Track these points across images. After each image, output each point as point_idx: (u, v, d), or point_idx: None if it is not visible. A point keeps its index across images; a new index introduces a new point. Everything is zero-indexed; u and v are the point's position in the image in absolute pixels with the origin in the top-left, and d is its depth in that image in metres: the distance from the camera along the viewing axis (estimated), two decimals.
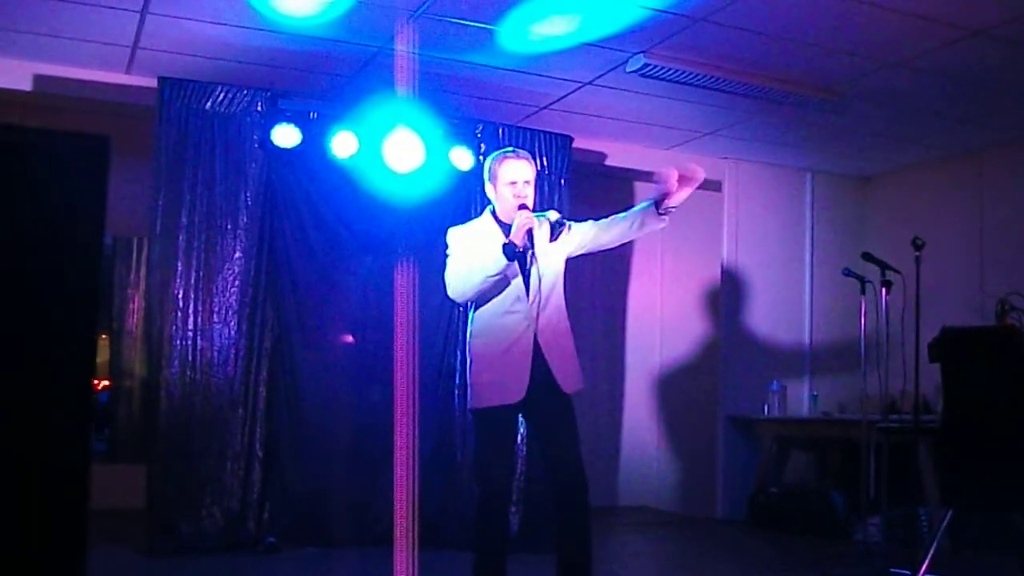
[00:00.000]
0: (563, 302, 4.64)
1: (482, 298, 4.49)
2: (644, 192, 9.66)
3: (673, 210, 4.57)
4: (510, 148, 4.74)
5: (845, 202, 9.62)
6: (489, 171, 4.62)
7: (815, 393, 9.02)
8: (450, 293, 4.54)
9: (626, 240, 4.80)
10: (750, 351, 9.07)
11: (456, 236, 4.60)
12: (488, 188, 4.65)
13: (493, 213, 4.63)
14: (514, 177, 4.53)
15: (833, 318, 9.27)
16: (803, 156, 9.02)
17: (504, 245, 4.33)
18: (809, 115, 7.66)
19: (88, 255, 1.77)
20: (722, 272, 9.13)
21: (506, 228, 4.47)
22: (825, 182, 9.54)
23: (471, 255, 4.45)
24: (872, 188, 9.63)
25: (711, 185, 9.08)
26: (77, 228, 1.75)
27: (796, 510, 8.23)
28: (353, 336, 7.05)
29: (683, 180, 4.51)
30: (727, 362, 9.02)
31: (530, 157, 4.66)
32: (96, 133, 1.81)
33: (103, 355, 10.76)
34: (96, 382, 12.51)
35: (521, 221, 4.38)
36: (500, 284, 4.43)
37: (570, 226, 4.70)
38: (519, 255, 4.45)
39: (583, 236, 4.74)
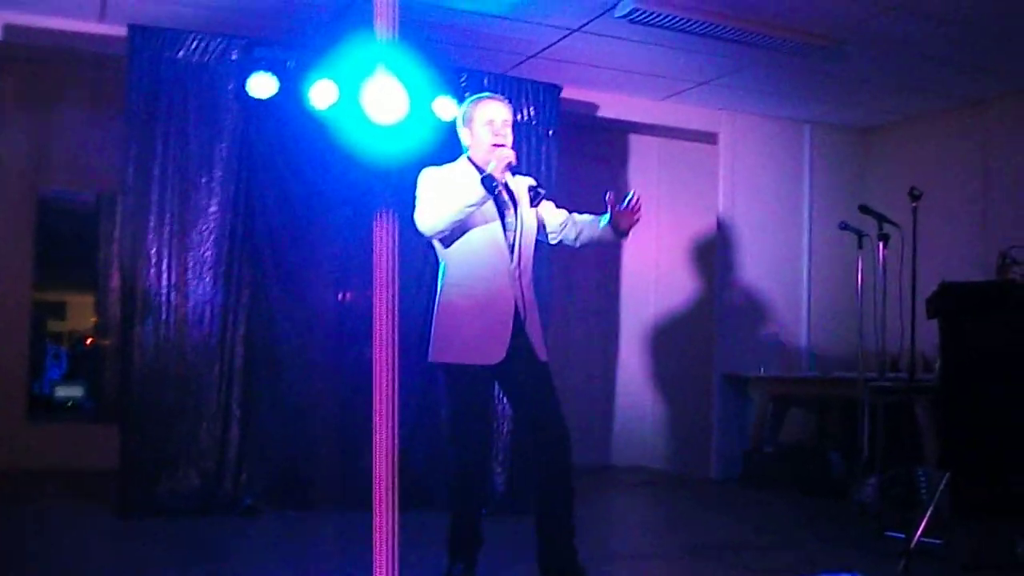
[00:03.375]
0: (532, 272, 4.52)
1: (452, 235, 4.31)
2: (637, 145, 9.51)
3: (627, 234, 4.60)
4: (486, 92, 4.55)
5: (844, 154, 9.41)
6: (464, 114, 4.47)
7: (813, 351, 8.83)
8: (420, 224, 4.32)
9: (589, 247, 4.81)
10: (746, 307, 8.91)
11: (430, 175, 4.42)
12: (463, 132, 4.49)
13: (468, 158, 4.45)
14: (491, 116, 4.39)
15: (832, 273, 9.11)
16: (801, 107, 8.78)
17: (484, 176, 4.15)
18: (808, 64, 7.42)
19: None
20: (718, 226, 8.93)
21: (482, 171, 4.27)
22: (824, 134, 9.32)
23: (446, 190, 4.26)
24: (872, 139, 9.41)
25: (706, 137, 8.92)
26: None
27: (791, 470, 8.10)
28: (334, 291, 6.84)
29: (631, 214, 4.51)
30: (722, 318, 8.86)
31: (508, 102, 4.48)
32: None
33: (88, 313, 10.64)
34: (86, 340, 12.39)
35: (501, 154, 4.20)
36: (471, 222, 4.29)
37: (546, 199, 4.63)
38: (496, 195, 4.32)
39: (555, 218, 4.67)
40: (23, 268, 8.17)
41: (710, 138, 8.93)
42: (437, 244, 4.45)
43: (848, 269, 8.98)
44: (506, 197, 4.43)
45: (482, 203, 4.20)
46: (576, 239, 4.68)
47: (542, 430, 4.40)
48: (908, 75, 7.69)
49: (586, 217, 4.66)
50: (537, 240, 4.57)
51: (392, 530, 5.15)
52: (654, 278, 9.82)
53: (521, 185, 4.50)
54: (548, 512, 4.40)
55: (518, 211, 4.43)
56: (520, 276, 4.38)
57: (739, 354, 8.79)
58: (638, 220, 4.50)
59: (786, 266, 9.11)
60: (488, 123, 4.38)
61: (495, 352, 4.29)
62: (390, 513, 5.28)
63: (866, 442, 6.68)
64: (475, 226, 4.33)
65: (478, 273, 4.35)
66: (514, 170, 4.32)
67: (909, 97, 8.32)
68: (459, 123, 4.51)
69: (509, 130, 4.42)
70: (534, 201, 4.45)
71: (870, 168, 9.37)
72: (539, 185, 4.48)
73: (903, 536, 5.24)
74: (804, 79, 7.92)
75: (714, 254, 9.00)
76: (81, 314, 11.06)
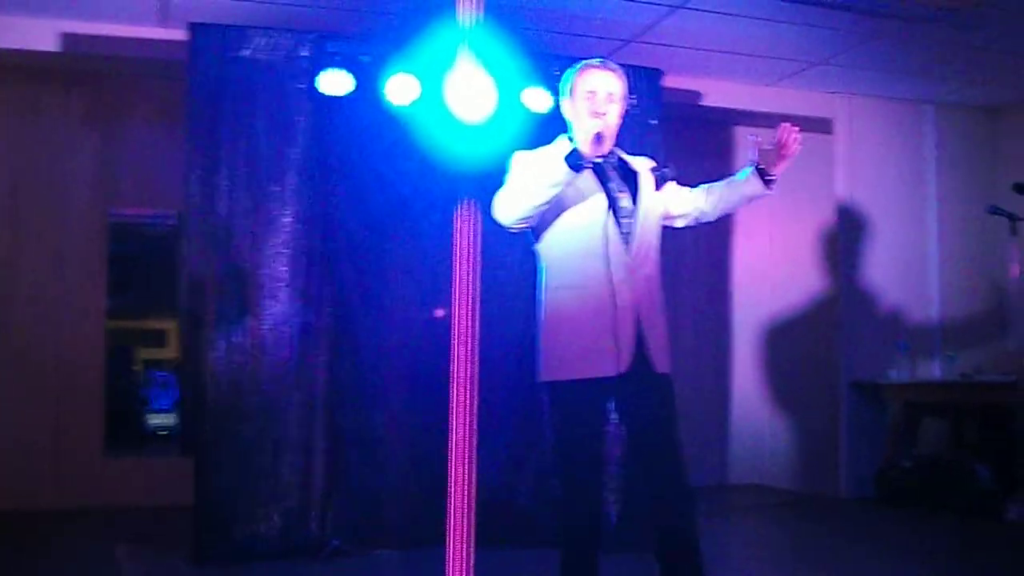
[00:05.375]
0: (659, 269, 3.82)
1: (541, 224, 3.72)
2: (743, 137, 8.84)
3: (776, 179, 3.78)
4: (597, 58, 3.88)
5: (972, 136, 8.65)
6: (568, 84, 3.81)
7: (950, 353, 8.04)
8: (496, 212, 3.72)
9: (729, 210, 4.00)
10: (872, 307, 8.18)
11: (520, 158, 3.78)
12: (565, 106, 3.83)
13: (569, 138, 3.80)
14: (594, 87, 3.71)
15: (965, 266, 8.40)
16: (923, 86, 8.04)
17: (568, 154, 3.50)
18: (936, 33, 6.70)
19: None
20: (838, 221, 8.23)
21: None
22: (948, 115, 8.56)
23: (533, 171, 3.63)
24: (1002, 119, 8.61)
25: (820, 124, 8.24)
26: None
27: (934, 486, 7.35)
28: (423, 307, 6.26)
29: (782, 150, 3.75)
30: (847, 320, 8.14)
31: (621, 71, 3.81)
32: None
33: (173, 340, 10.28)
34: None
35: (589, 125, 3.54)
36: (565, 201, 3.65)
37: (676, 182, 3.93)
38: (604, 176, 3.69)
39: (683, 196, 3.95)
40: (95, 296, 7.74)
41: (824, 125, 8.24)
42: (533, 239, 3.83)
43: (983, 261, 8.31)
44: (618, 179, 3.78)
45: (567, 183, 3.54)
46: (714, 208, 3.97)
47: (659, 485, 3.73)
48: None
49: (717, 184, 3.98)
50: (663, 228, 3.91)
51: (468, 568, 4.51)
52: (769, 277, 9.11)
53: (643, 166, 3.85)
54: (667, 563, 3.73)
55: (637, 194, 3.77)
56: (638, 270, 3.71)
57: (867, 358, 8.06)
58: (795, 153, 3.77)
59: (915, 261, 8.37)
60: (589, 95, 3.72)
61: (613, 363, 3.63)
62: (466, 550, 4.66)
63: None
64: (574, 213, 3.69)
65: (584, 269, 3.69)
66: (630, 153, 3.68)
67: None
68: (562, 93, 3.87)
69: (616, 105, 3.75)
70: (659, 184, 3.79)
71: (1001, 150, 8.58)
72: (664, 165, 3.81)
73: None
74: (930, 53, 7.18)
75: (836, 251, 8.31)
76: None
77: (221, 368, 5.70)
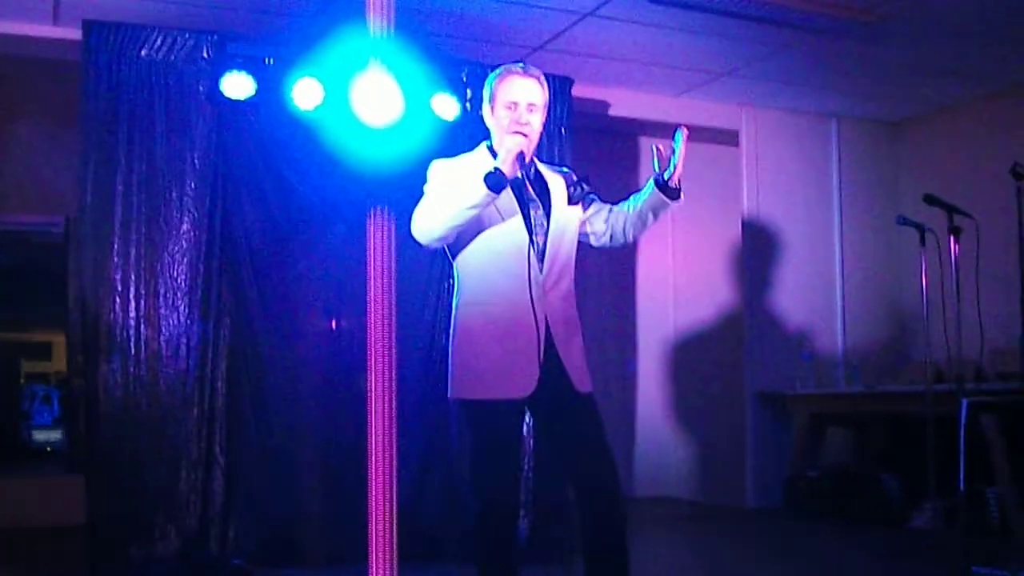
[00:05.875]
0: (573, 285, 3.71)
1: (459, 241, 3.57)
2: (648, 148, 8.80)
3: (679, 186, 3.62)
4: (519, 62, 3.75)
5: (874, 150, 8.76)
6: (489, 90, 3.67)
7: (854, 363, 8.10)
8: (414, 230, 3.57)
9: (640, 230, 3.82)
10: (777, 319, 8.21)
11: (439, 168, 3.64)
12: (486, 112, 3.70)
13: (490, 147, 3.68)
14: (515, 97, 3.58)
15: (868, 278, 8.49)
16: (827, 99, 8.11)
17: (488, 172, 3.37)
18: (841, 47, 6.75)
19: None
20: (743, 232, 8.23)
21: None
22: (852, 128, 8.66)
23: (452, 188, 3.49)
24: (904, 132, 8.72)
25: (727, 137, 8.25)
26: None
27: (841, 495, 7.38)
28: (329, 320, 6.09)
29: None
30: (752, 332, 8.15)
31: (542, 77, 3.69)
32: None
33: (59, 352, 9.91)
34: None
35: (510, 143, 3.42)
36: (483, 221, 3.51)
37: (594, 198, 3.79)
38: (520, 190, 3.55)
39: (599, 213, 3.81)
40: None
41: (731, 137, 8.26)
42: (447, 253, 3.70)
43: (883, 272, 8.43)
44: (533, 192, 3.65)
45: (486, 204, 3.41)
46: (624, 229, 3.85)
47: (588, 491, 3.63)
48: (951, 56, 6.98)
49: (624, 207, 3.81)
50: (579, 243, 3.79)
51: None
52: (672, 290, 9.15)
53: (556, 178, 3.72)
54: (598, 566, 3.63)
55: (550, 209, 3.65)
56: (552, 287, 3.59)
57: (772, 370, 8.08)
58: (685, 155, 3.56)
59: (818, 272, 8.42)
60: (510, 106, 3.60)
61: (522, 383, 3.51)
62: (389, 566, 4.51)
63: (931, 462, 5.98)
64: (490, 228, 3.56)
65: (497, 287, 3.56)
66: (544, 161, 3.56)
67: (944, 83, 7.62)
68: (484, 97, 3.73)
69: (538, 115, 3.63)
70: (572, 198, 3.67)
71: (903, 163, 8.70)
72: (581, 179, 3.69)
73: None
74: (834, 66, 7.24)
75: (741, 263, 8.31)
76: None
77: (115, 381, 5.47)
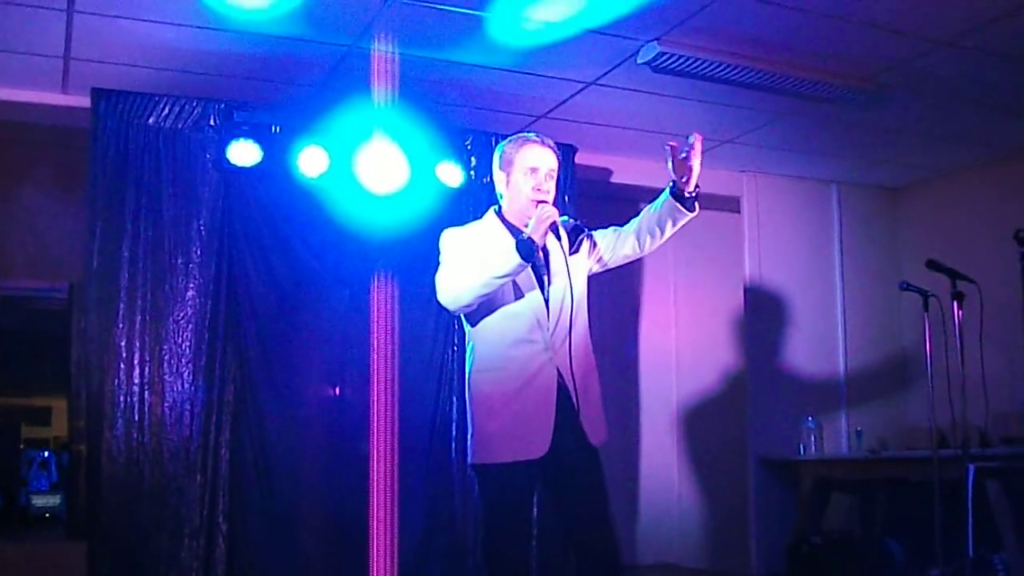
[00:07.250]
0: (588, 331, 3.74)
1: (480, 310, 3.62)
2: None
3: (695, 196, 3.71)
4: (531, 132, 3.81)
5: (874, 216, 8.77)
6: (502, 157, 3.74)
7: (858, 428, 8.08)
8: (442, 296, 3.64)
9: (655, 244, 3.88)
10: (780, 384, 8.17)
11: (453, 237, 3.70)
12: (498, 179, 3.75)
13: (499, 213, 3.71)
14: (536, 163, 3.65)
15: (870, 342, 8.46)
16: (827, 166, 8.16)
17: (519, 241, 3.41)
18: (841, 113, 6.79)
19: None
20: (745, 298, 8.24)
21: (516, 231, 3.55)
22: (852, 194, 8.69)
23: (473, 255, 3.53)
24: (904, 198, 8.77)
25: (728, 204, 8.29)
26: None
27: (845, 561, 7.29)
28: (332, 386, 6.10)
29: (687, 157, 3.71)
30: (755, 397, 8.11)
31: (555, 146, 3.74)
32: None
33: (58, 418, 9.88)
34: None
35: (543, 214, 3.48)
36: (504, 295, 3.56)
37: (592, 237, 3.83)
38: (534, 259, 3.55)
39: (606, 244, 3.85)
40: None
41: (732, 203, 8.30)
42: (464, 321, 3.72)
43: (885, 337, 8.42)
44: (545, 256, 3.70)
45: (517, 272, 3.46)
46: (640, 241, 3.85)
47: (588, 562, 3.66)
48: (951, 122, 7.04)
49: (633, 221, 3.89)
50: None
51: None
52: (674, 355, 9.11)
53: (555, 243, 3.75)
54: None
55: (557, 266, 3.68)
56: (566, 343, 3.62)
57: (775, 435, 8.03)
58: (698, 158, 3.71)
59: (821, 338, 8.40)
60: (531, 171, 3.66)
61: (537, 444, 3.54)
62: None
63: (939, 527, 5.94)
64: (507, 299, 3.60)
65: (511, 353, 3.61)
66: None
67: (943, 149, 7.67)
68: (495, 165, 3.77)
69: (553, 183, 3.70)
70: (574, 246, 3.71)
71: (903, 229, 8.74)
72: (579, 223, 3.73)
73: None
74: (835, 133, 7.29)
75: (743, 328, 8.31)
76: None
77: (118, 447, 5.48)
